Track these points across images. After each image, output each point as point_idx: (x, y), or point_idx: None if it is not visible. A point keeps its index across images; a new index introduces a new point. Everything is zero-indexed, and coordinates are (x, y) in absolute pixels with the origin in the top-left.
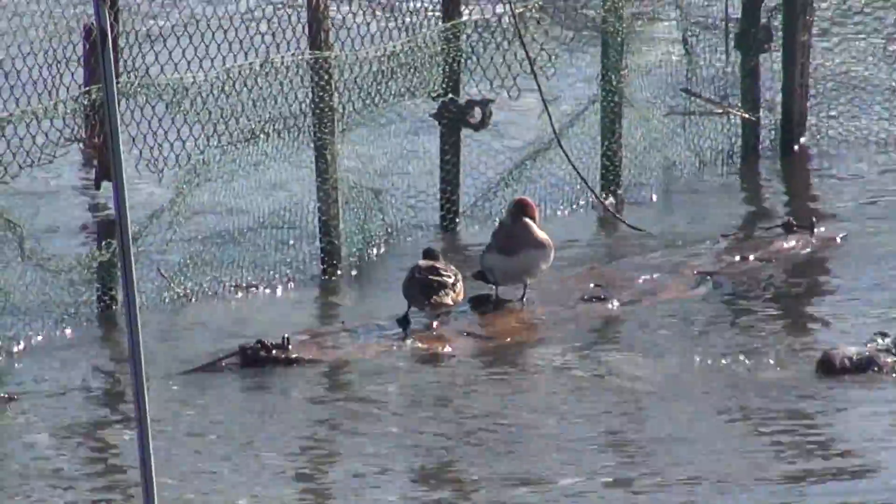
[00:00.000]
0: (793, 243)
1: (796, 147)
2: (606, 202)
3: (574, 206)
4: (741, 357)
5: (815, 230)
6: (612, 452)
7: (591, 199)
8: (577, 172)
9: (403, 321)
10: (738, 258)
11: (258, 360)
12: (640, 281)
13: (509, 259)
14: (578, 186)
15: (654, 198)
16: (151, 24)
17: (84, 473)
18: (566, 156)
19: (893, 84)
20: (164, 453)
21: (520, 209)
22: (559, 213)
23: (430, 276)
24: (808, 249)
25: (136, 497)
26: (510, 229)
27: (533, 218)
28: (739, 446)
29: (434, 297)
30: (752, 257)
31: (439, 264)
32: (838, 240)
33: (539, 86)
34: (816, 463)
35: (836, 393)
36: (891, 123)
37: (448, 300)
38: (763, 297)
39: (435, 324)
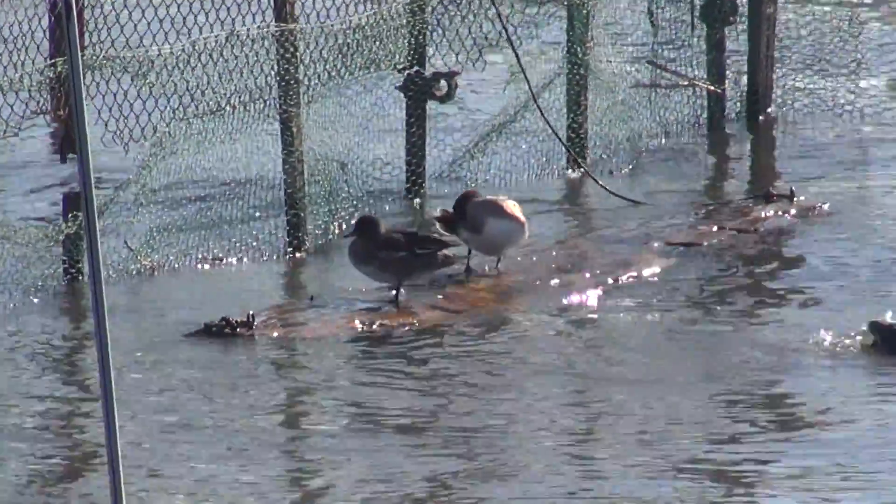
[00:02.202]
0: (772, 212)
1: (761, 118)
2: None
3: (540, 176)
4: (720, 328)
5: (795, 199)
6: (580, 425)
7: (557, 170)
8: (559, 138)
9: (397, 298)
10: (716, 228)
11: (223, 337)
12: (614, 252)
13: (478, 236)
14: (544, 159)
15: (621, 170)
16: None
17: (48, 450)
18: (546, 121)
19: (858, 56)
20: (129, 430)
21: (465, 197)
22: (526, 183)
23: (434, 243)
24: (789, 219)
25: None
26: (481, 205)
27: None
28: (718, 423)
29: (446, 253)
30: (731, 227)
31: (407, 229)
32: (819, 208)
33: (514, 49)
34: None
35: (810, 369)
36: (856, 95)
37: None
38: (741, 267)
39: (394, 295)
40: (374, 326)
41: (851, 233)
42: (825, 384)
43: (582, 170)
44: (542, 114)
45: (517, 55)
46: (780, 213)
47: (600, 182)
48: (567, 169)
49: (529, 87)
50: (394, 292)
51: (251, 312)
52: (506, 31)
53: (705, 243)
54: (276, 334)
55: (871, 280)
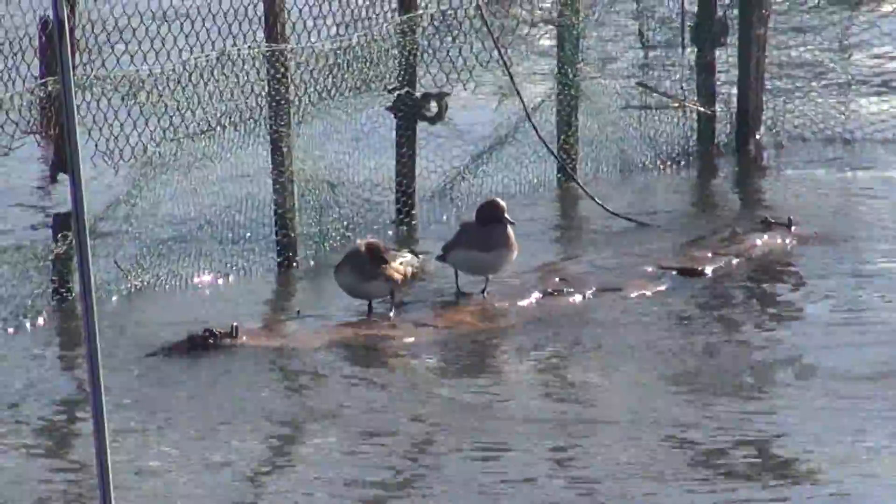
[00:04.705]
0: (769, 240)
1: (752, 140)
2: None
3: (532, 197)
4: (712, 351)
5: (793, 228)
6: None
7: (548, 191)
8: (557, 157)
9: (392, 308)
10: (710, 254)
11: (206, 348)
12: (604, 276)
13: (484, 255)
14: (536, 179)
15: (612, 192)
16: (108, 17)
17: (38, 467)
18: (542, 140)
19: (847, 77)
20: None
21: (493, 210)
22: (518, 203)
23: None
24: (786, 247)
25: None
26: (488, 229)
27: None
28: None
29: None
30: (726, 253)
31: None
32: (816, 235)
33: (508, 69)
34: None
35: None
36: (846, 118)
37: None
38: (736, 292)
39: (392, 313)
40: (362, 339)
41: (847, 259)
42: (817, 412)
43: (572, 187)
44: (537, 132)
45: (510, 74)
46: (777, 240)
47: (597, 200)
48: (559, 188)
49: (524, 106)
50: (392, 305)
51: (235, 324)
52: (498, 51)
53: (699, 268)
54: (259, 344)
55: (866, 307)
